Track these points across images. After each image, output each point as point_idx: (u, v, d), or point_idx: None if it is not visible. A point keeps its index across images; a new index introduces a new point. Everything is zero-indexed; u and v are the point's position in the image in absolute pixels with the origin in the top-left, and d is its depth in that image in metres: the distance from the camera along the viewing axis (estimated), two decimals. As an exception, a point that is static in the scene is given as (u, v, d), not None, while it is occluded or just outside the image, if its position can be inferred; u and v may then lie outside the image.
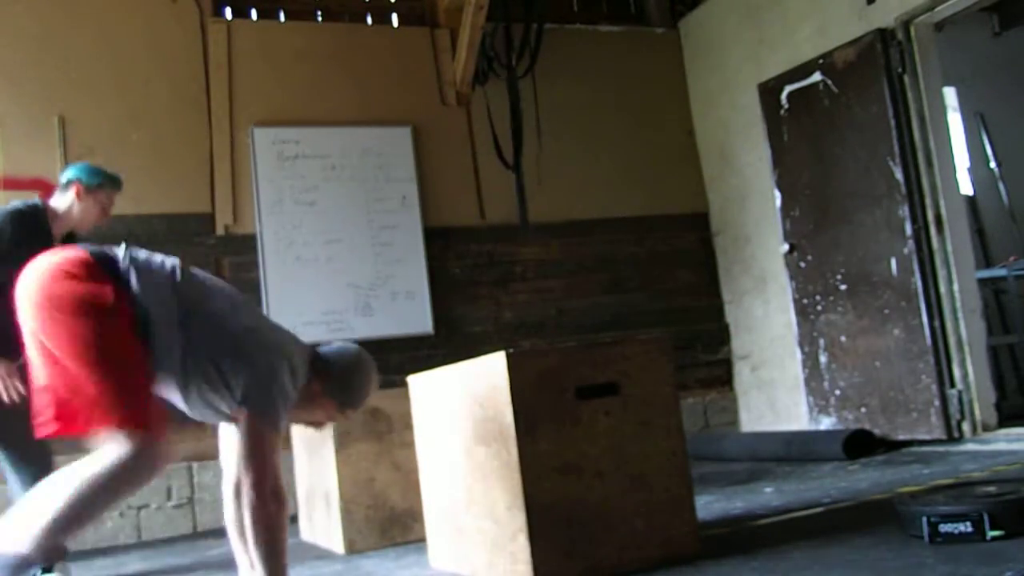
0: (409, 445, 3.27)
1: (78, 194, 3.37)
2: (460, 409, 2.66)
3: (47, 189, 4.65)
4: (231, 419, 2.30)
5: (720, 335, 5.98)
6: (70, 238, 3.38)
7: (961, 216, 4.73)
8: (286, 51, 5.24)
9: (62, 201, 3.38)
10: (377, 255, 5.17)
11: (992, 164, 6.53)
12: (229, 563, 3.49)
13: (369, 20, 5.63)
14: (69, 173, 3.42)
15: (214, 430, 4.13)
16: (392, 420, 3.46)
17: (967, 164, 6.44)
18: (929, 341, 4.49)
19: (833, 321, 4.96)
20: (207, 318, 2.20)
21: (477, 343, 5.18)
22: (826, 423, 5.01)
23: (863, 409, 4.79)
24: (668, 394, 2.54)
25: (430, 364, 3.12)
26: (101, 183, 3.43)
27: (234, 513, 2.44)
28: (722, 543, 2.65)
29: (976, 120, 6.54)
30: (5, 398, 3.10)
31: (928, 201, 4.58)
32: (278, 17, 5.41)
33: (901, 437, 4.61)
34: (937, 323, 4.51)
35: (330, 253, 5.09)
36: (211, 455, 4.68)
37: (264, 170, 5.04)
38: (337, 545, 3.40)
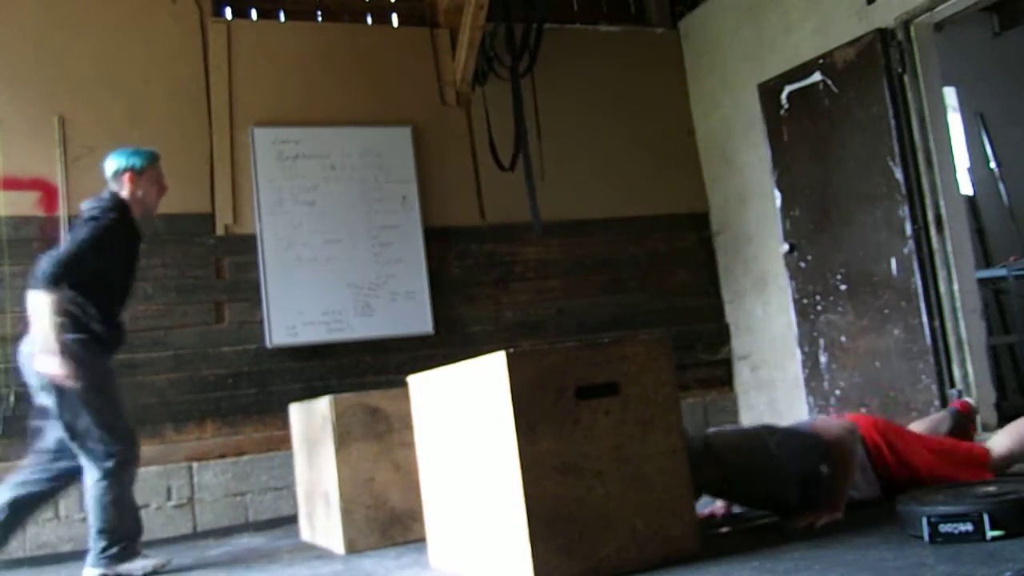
0: (409, 445, 3.27)
1: (132, 180, 3.45)
2: (460, 409, 2.66)
3: (47, 189, 4.69)
4: None
5: (720, 335, 5.97)
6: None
7: (961, 216, 4.73)
8: (286, 51, 5.24)
9: (124, 192, 3.45)
10: (377, 255, 5.17)
11: (992, 164, 6.54)
12: (229, 563, 3.50)
13: (369, 20, 5.63)
14: (116, 164, 3.48)
15: (214, 431, 4.22)
16: (392, 420, 3.46)
17: (967, 164, 6.44)
18: (929, 341, 4.49)
19: (833, 321, 4.96)
20: None
21: (477, 343, 5.18)
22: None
23: (863, 409, 4.78)
24: (668, 394, 2.54)
25: (430, 364, 3.12)
26: (150, 163, 3.53)
27: None
28: (722, 543, 2.65)
29: (976, 120, 6.54)
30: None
31: (928, 201, 4.58)
32: (278, 17, 5.40)
33: (901, 437, 4.60)
34: (937, 323, 4.51)
35: (330, 253, 5.09)
36: (211, 455, 4.70)
37: (264, 170, 5.03)
38: (337, 545, 3.40)
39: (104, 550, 3.26)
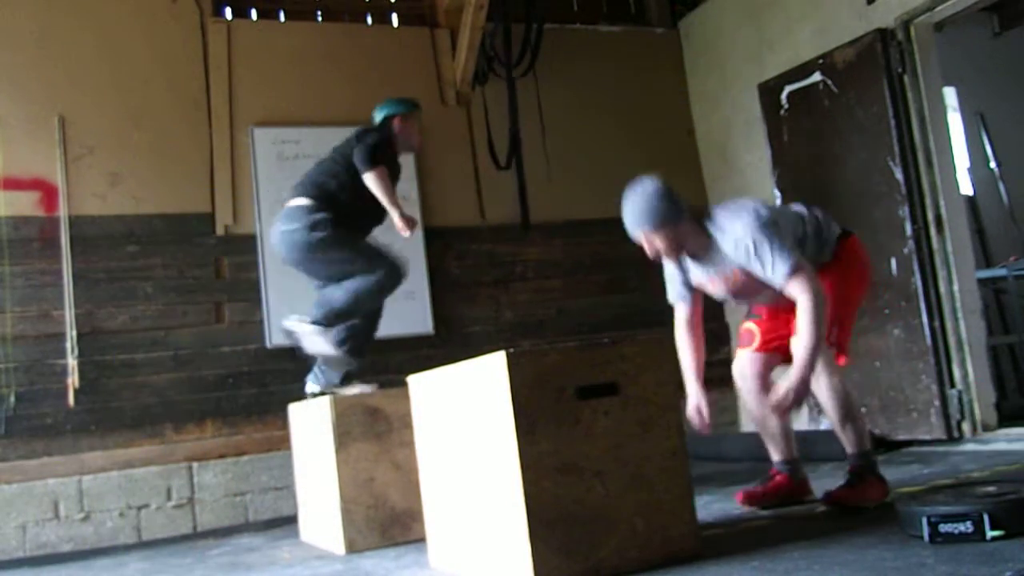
0: (409, 445, 3.27)
1: (397, 124, 3.96)
2: (460, 409, 2.66)
3: (47, 189, 4.69)
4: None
5: (720, 335, 5.97)
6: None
7: (961, 216, 4.73)
8: (286, 51, 5.24)
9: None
10: (377, 255, 5.16)
11: (992, 164, 6.53)
12: (229, 563, 3.50)
13: (369, 20, 5.63)
14: (383, 112, 3.99)
15: (214, 431, 4.17)
16: (392, 420, 3.46)
17: (967, 164, 6.44)
18: (929, 341, 4.49)
19: (833, 321, 4.96)
20: None
21: (477, 343, 5.18)
22: (826, 423, 5.00)
23: (863, 409, 4.78)
24: (668, 394, 2.54)
25: (430, 364, 3.12)
26: (411, 110, 4.04)
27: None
28: (722, 543, 2.65)
29: (976, 120, 6.54)
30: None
31: (928, 201, 4.58)
32: (278, 17, 5.41)
33: (901, 437, 4.60)
34: (937, 323, 4.51)
35: (330, 253, 5.08)
36: (211, 455, 4.70)
37: (264, 170, 5.03)
38: (337, 545, 3.40)
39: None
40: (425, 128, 5.40)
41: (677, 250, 2.97)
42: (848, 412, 2.99)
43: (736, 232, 2.87)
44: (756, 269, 2.86)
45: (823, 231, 3.10)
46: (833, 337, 2.98)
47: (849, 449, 3.02)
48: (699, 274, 3.07)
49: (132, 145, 4.83)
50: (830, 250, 3.10)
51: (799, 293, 2.80)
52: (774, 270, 2.81)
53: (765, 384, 3.20)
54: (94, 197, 4.72)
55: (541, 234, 5.59)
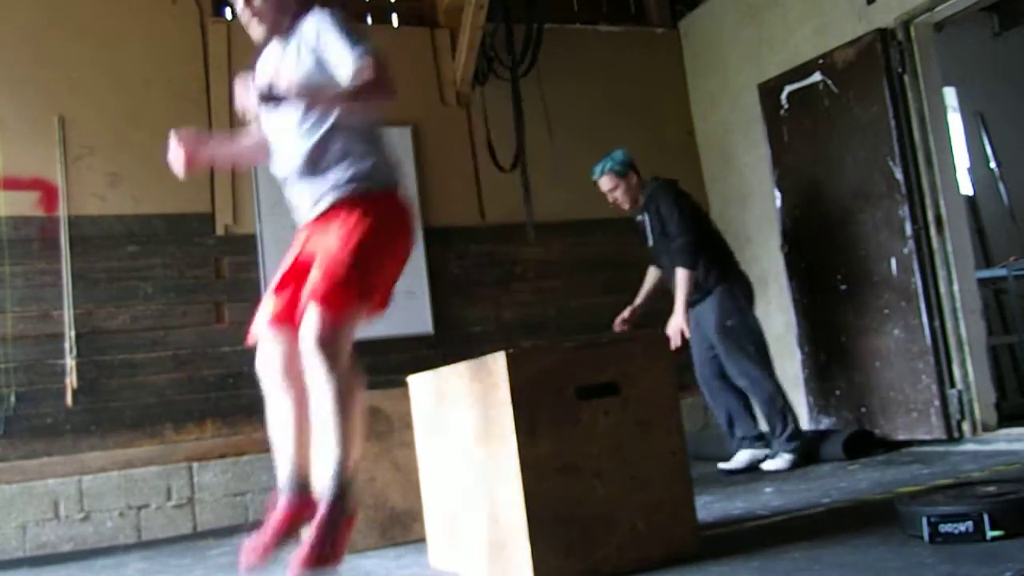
0: (409, 445, 3.27)
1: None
2: (460, 409, 2.66)
3: (47, 189, 4.69)
4: None
5: (720, 335, 5.96)
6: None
7: (961, 216, 4.73)
8: (286, 51, 5.23)
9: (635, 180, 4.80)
10: (377, 255, 5.16)
11: (992, 164, 6.54)
12: (229, 563, 3.49)
13: (369, 20, 5.63)
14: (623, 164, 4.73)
15: (214, 431, 4.17)
16: (392, 420, 3.46)
17: (967, 164, 6.44)
18: (929, 341, 4.49)
19: (833, 321, 4.96)
20: None
21: (477, 343, 5.17)
22: (826, 423, 5.01)
23: (863, 409, 4.79)
24: (668, 394, 2.54)
25: (430, 364, 3.12)
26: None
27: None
28: (722, 543, 2.64)
29: (976, 120, 6.54)
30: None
31: (928, 201, 4.58)
32: (278, 17, 5.40)
33: (901, 437, 4.61)
34: (937, 323, 4.51)
35: (330, 253, 5.08)
36: (211, 455, 4.70)
37: (264, 170, 5.01)
38: (337, 545, 3.39)
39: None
40: (425, 129, 5.45)
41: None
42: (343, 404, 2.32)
43: None
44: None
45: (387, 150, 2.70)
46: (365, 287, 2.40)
47: (331, 463, 2.29)
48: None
49: (132, 145, 4.82)
50: (390, 174, 2.70)
51: None
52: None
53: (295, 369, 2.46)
54: (94, 197, 4.72)
55: (541, 234, 5.58)
